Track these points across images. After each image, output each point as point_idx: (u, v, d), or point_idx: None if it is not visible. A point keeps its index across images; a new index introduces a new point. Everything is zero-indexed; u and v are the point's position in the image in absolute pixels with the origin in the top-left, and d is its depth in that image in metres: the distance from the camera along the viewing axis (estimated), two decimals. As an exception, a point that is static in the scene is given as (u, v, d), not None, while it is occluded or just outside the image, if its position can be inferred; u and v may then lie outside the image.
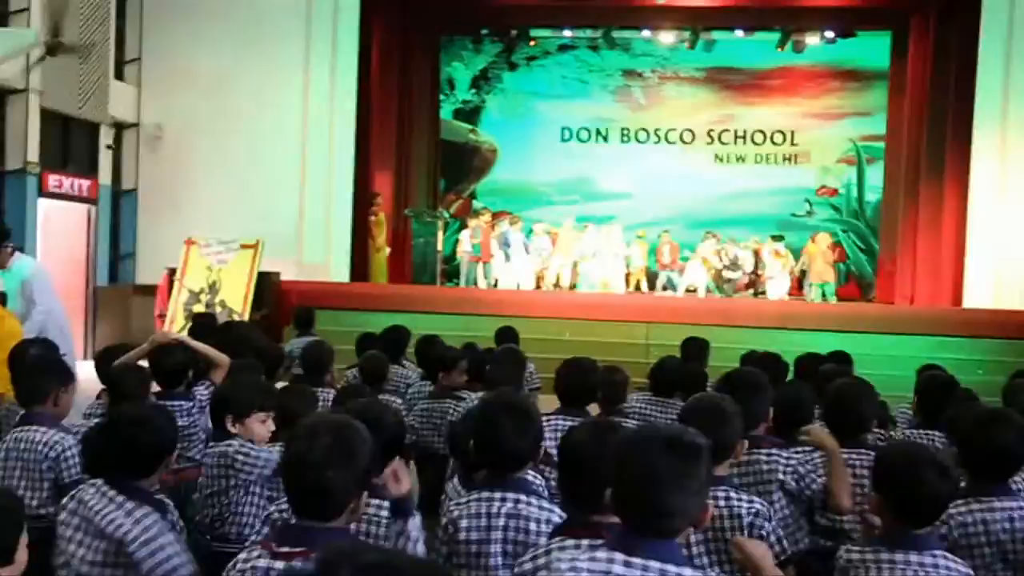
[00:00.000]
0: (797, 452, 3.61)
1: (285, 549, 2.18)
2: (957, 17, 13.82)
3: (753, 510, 2.95)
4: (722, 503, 2.95)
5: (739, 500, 2.96)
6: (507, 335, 6.46)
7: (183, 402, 4.46)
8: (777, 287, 15.16)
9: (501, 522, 2.72)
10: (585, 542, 2.35)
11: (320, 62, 13.61)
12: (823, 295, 14.72)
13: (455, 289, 14.87)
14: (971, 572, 2.65)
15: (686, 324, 11.25)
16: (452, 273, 15.95)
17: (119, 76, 13.58)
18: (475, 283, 15.24)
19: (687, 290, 15.35)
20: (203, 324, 5.68)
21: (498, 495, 2.77)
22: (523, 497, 2.75)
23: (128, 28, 13.83)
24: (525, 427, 2.76)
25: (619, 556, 2.01)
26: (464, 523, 2.75)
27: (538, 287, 15.42)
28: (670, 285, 15.79)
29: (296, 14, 13.53)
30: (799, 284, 15.71)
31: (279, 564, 2.17)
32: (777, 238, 15.83)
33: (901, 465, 2.63)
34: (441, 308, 12.49)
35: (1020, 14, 12.64)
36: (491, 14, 16.82)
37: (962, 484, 2.93)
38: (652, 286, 16.07)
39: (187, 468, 4.34)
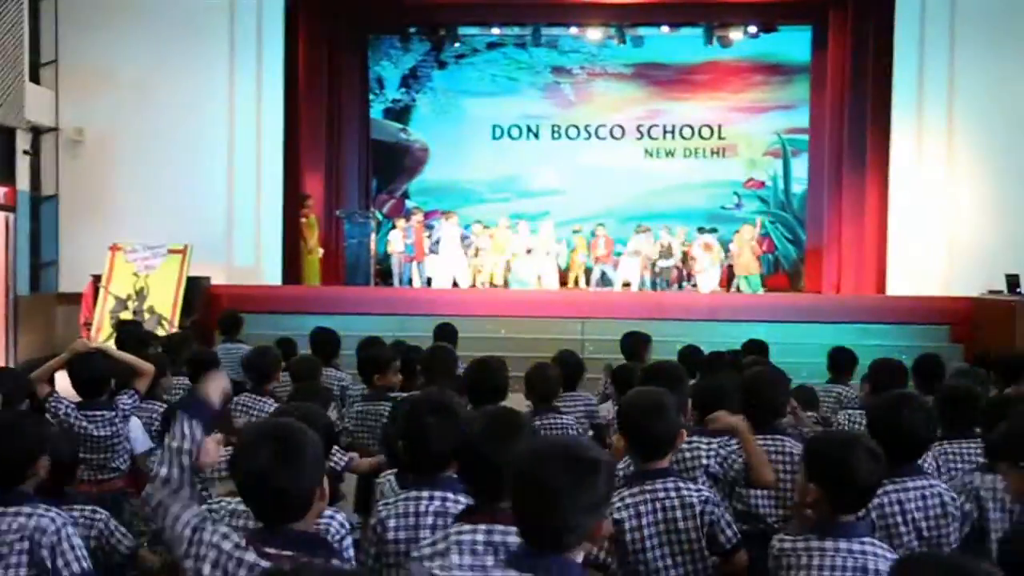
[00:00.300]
0: (715, 440, 3.69)
1: (273, 551, 2.20)
2: (873, 11, 14.18)
3: (703, 497, 3.02)
4: (672, 494, 3.00)
5: (688, 489, 3.03)
6: (445, 333, 6.42)
7: (104, 412, 4.36)
8: (708, 280, 15.39)
9: (429, 520, 2.72)
10: (482, 526, 2.40)
11: (245, 62, 13.40)
12: (748, 287, 14.97)
13: (389, 289, 14.79)
14: (896, 557, 2.70)
15: (621, 319, 11.41)
16: (386, 273, 15.85)
17: (35, 79, 13.20)
18: (409, 283, 15.19)
19: (623, 284, 15.48)
20: (128, 332, 5.53)
21: (426, 494, 2.77)
22: (451, 495, 2.75)
23: (43, 30, 13.43)
24: (452, 426, 2.75)
25: (512, 573, 2.02)
26: (392, 523, 2.75)
27: (473, 285, 15.42)
28: (605, 280, 15.93)
29: (220, 13, 13.30)
30: (728, 277, 16.00)
31: (264, 563, 2.19)
32: (705, 231, 16.09)
33: (834, 453, 2.67)
34: (375, 309, 12.43)
35: (932, 6, 13.02)
36: (419, 12, 16.76)
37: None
38: (588, 282, 16.19)
39: (112, 479, 4.25)
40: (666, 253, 15.87)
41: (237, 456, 2.28)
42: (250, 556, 2.19)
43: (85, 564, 2.84)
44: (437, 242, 15.66)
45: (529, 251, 15.61)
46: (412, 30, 17.85)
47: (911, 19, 13.12)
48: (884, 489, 3.10)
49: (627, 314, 11.94)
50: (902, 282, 13.24)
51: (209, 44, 13.26)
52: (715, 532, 3.01)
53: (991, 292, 11.85)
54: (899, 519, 3.09)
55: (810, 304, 13.36)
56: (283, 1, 13.51)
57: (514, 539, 2.15)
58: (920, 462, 3.32)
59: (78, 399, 4.44)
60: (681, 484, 3.05)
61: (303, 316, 11.21)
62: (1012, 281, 11.46)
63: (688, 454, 3.59)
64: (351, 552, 2.59)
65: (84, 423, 4.33)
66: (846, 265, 15.01)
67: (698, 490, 3.06)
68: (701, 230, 16.28)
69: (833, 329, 11.46)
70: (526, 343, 10.96)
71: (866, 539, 2.68)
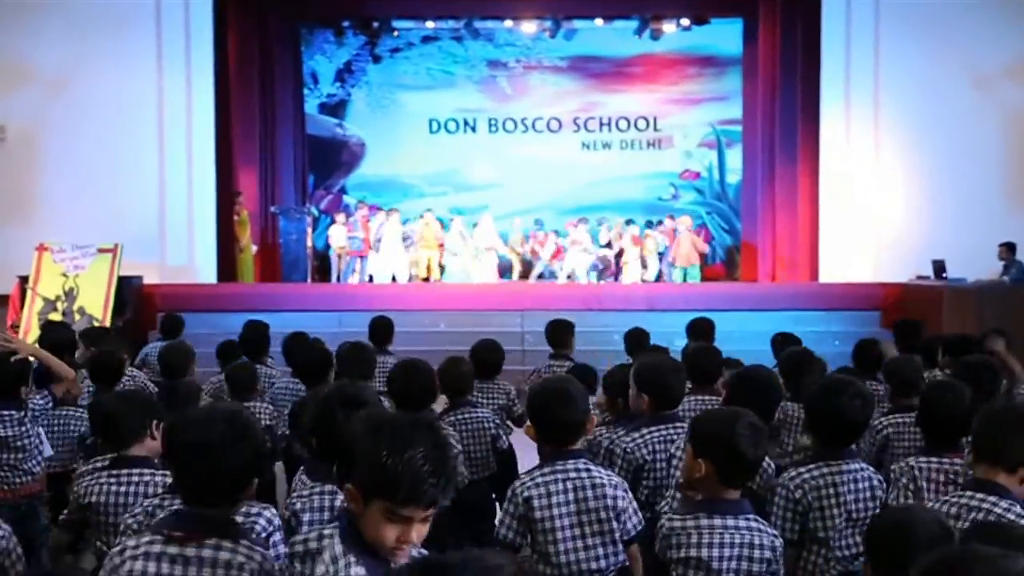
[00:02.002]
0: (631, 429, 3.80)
1: (179, 533, 2.21)
2: (801, 3, 14.43)
3: (613, 482, 3.06)
4: (584, 474, 3.04)
5: (598, 471, 3.08)
6: (379, 327, 6.36)
7: (12, 412, 4.24)
8: (633, 272, 15.51)
9: None
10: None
11: (173, 55, 13.11)
12: (684, 278, 15.14)
13: (327, 286, 14.65)
14: (777, 535, 2.81)
15: (560, 310, 11.45)
16: (324, 270, 15.69)
17: (-47, 75, 12.77)
18: (347, 279, 15.07)
19: (567, 277, 15.50)
20: (54, 334, 5.39)
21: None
22: None
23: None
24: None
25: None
26: (307, 516, 2.74)
27: (410, 280, 15.35)
28: (547, 273, 15.96)
29: (145, 4, 12.98)
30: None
31: (173, 548, 2.19)
32: (632, 223, 16.20)
33: (720, 428, 2.74)
34: (314, 305, 12.31)
35: (857, 2, 13.30)
36: (352, 5, 16.61)
37: (804, 448, 3.08)
38: (526, 275, 16.21)
39: (25, 483, 4.15)
40: (607, 246, 15.97)
41: (184, 429, 2.28)
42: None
43: None
44: (379, 240, 15.54)
45: (466, 245, 15.57)
46: (346, 24, 17.68)
47: (838, 12, 13.39)
48: (820, 471, 3.18)
49: (566, 305, 12.00)
50: (834, 270, 13.52)
51: (135, 36, 12.94)
52: (621, 520, 3.05)
53: (919, 277, 12.16)
54: (832, 500, 3.15)
55: (745, 292, 13.57)
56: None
57: None
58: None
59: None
60: (592, 466, 3.09)
61: (240, 314, 11.00)
62: (938, 266, 11.77)
63: (605, 441, 3.68)
64: (281, 548, 2.56)
65: None
66: (780, 254, 15.28)
67: (608, 474, 3.11)
68: (628, 223, 16.37)
69: (769, 316, 11.66)
70: (465, 336, 10.90)
71: (751, 516, 2.77)
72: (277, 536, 2.67)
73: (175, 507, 2.51)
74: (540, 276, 16.01)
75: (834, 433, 3.21)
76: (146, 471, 3.25)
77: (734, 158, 17.73)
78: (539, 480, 3.04)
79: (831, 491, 3.15)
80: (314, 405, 2.88)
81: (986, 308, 9.97)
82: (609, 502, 3.01)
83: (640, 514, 3.13)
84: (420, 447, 1.94)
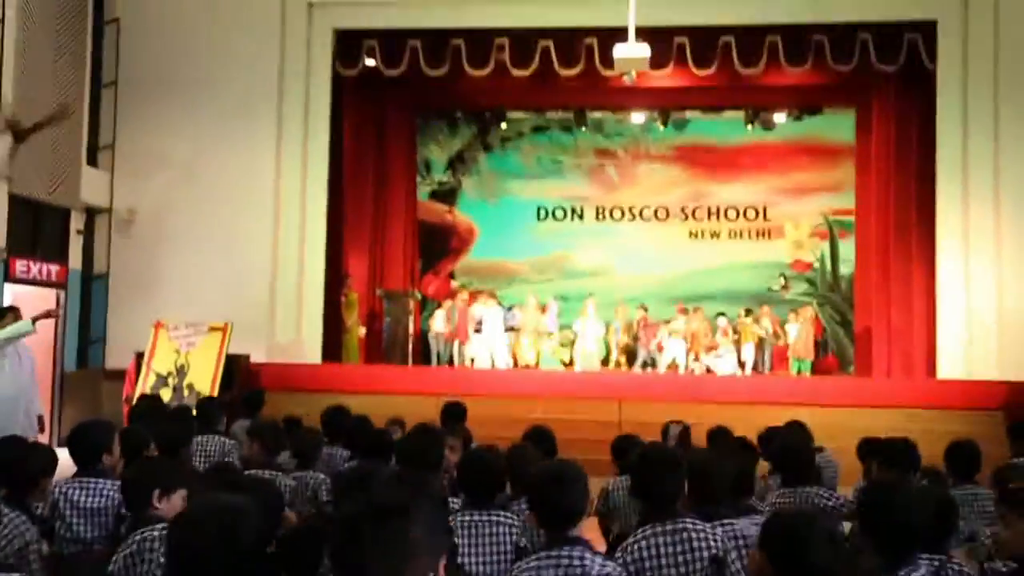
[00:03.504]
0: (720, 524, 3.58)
1: None
2: (916, 94, 14.12)
3: (606, 571, 2.96)
4: (576, 562, 2.95)
5: (593, 561, 2.97)
6: (451, 412, 6.35)
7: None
8: (726, 364, 15.08)
9: None
10: None
11: (292, 140, 13.75)
12: (799, 371, 14.67)
13: (425, 368, 14.79)
14: None
15: (658, 402, 11.24)
16: (426, 353, 15.87)
17: (92, 162, 13.70)
18: (450, 362, 15.18)
19: (668, 366, 15.22)
20: (145, 406, 5.58)
21: None
22: None
23: (103, 114, 13.99)
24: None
25: None
26: None
27: (516, 366, 15.36)
28: (650, 362, 15.71)
29: (269, 95, 13.72)
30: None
31: None
32: (721, 315, 15.81)
33: (790, 530, 2.53)
34: (413, 388, 12.43)
35: (974, 89, 12.90)
36: (465, 96, 17.11)
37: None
38: (631, 363, 16.00)
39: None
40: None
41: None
42: None
43: None
44: (480, 322, 15.69)
45: (575, 333, 15.53)
46: (459, 114, 18.22)
47: (953, 102, 13.00)
48: None
49: (665, 397, 11.78)
50: (953, 366, 12.84)
51: (257, 125, 13.67)
52: None
53: (1046, 377, 11.44)
54: None
55: (854, 387, 13.03)
56: (330, 85, 13.88)
57: None
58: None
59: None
60: (588, 554, 2.98)
61: (343, 395, 11.21)
62: (1067, 365, 11.06)
63: (694, 534, 3.46)
64: None
65: None
66: (896, 348, 14.65)
67: (603, 563, 2.99)
68: (719, 315, 15.90)
69: (882, 413, 11.15)
70: (562, 424, 10.78)
71: None
72: None
73: None
74: (644, 365, 15.75)
75: (888, 539, 2.93)
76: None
77: (846, 249, 17.24)
78: (532, 565, 2.97)
79: None
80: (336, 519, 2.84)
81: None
82: None
83: None
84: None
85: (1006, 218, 12.81)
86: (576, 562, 2.94)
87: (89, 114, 13.38)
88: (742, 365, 15.34)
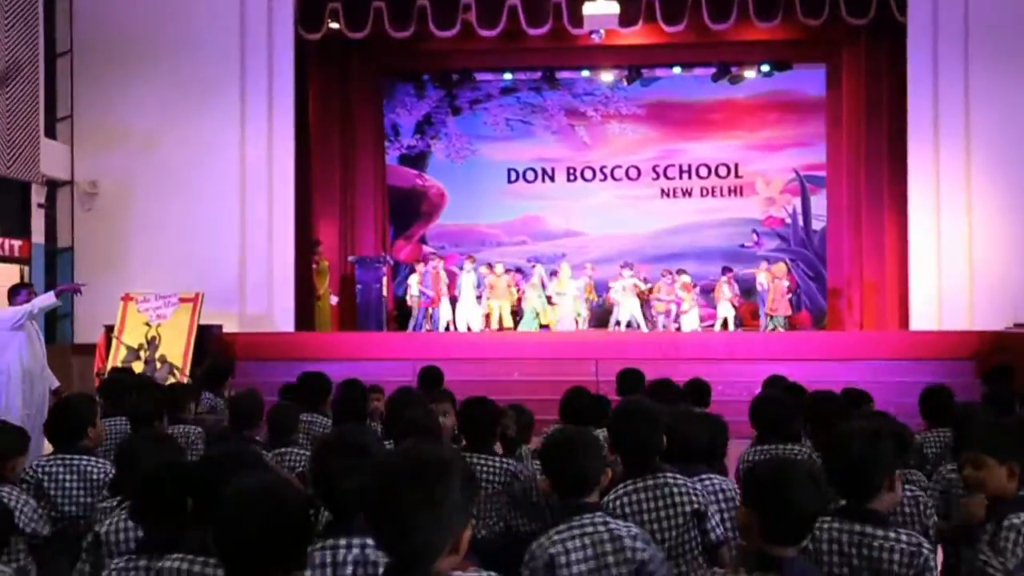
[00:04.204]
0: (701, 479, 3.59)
1: None
2: (886, 47, 14.07)
3: (633, 534, 2.90)
4: (601, 527, 2.89)
5: (617, 525, 2.92)
6: (428, 376, 6.26)
7: None
8: (689, 320, 15.14)
9: (348, 571, 2.55)
10: None
11: (256, 108, 13.47)
12: (772, 327, 14.73)
13: (401, 335, 14.69)
14: None
15: (635, 359, 11.22)
16: (402, 319, 15.77)
17: (51, 134, 13.36)
18: (423, 328, 15.10)
19: (627, 324, 15.21)
20: (116, 379, 5.43)
21: (343, 541, 2.58)
22: (370, 541, 2.53)
23: (60, 86, 13.63)
24: (364, 467, 2.51)
25: None
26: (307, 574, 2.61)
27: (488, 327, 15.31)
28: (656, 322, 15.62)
29: (231, 63, 13.41)
30: (751, 315, 15.78)
31: None
32: (681, 272, 15.83)
33: (769, 476, 2.48)
34: (387, 354, 12.34)
35: (944, 41, 12.87)
36: (432, 59, 16.86)
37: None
38: (605, 323, 15.97)
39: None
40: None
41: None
42: None
43: None
44: (458, 289, 15.58)
45: (550, 294, 15.49)
46: (426, 77, 17.98)
47: (924, 53, 12.96)
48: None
49: (641, 354, 11.77)
50: (925, 318, 12.94)
51: (220, 93, 13.37)
52: (645, 573, 2.87)
53: (1016, 325, 11.54)
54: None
55: (830, 341, 13.10)
56: (294, 50, 13.60)
57: None
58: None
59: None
60: (610, 520, 2.93)
61: (319, 362, 11.10)
62: (1037, 313, 11.17)
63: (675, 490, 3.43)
64: None
65: None
66: (869, 302, 14.75)
67: (628, 527, 2.93)
68: (678, 272, 15.94)
69: (857, 366, 11.22)
70: (540, 385, 10.78)
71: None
72: None
73: None
74: (620, 324, 15.72)
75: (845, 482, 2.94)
76: None
77: (818, 204, 17.27)
78: (556, 538, 2.89)
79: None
80: (312, 455, 2.77)
81: (1089, 357, 9.36)
82: (628, 555, 2.84)
83: (667, 565, 2.95)
84: None
85: (977, 170, 12.84)
86: (601, 527, 2.88)
87: (45, 84, 12.99)
88: (724, 324, 15.40)
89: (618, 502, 3.35)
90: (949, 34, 12.83)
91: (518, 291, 15.87)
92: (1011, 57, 12.66)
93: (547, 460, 3.08)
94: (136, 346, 11.76)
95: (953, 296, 12.78)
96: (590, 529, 2.88)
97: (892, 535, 2.77)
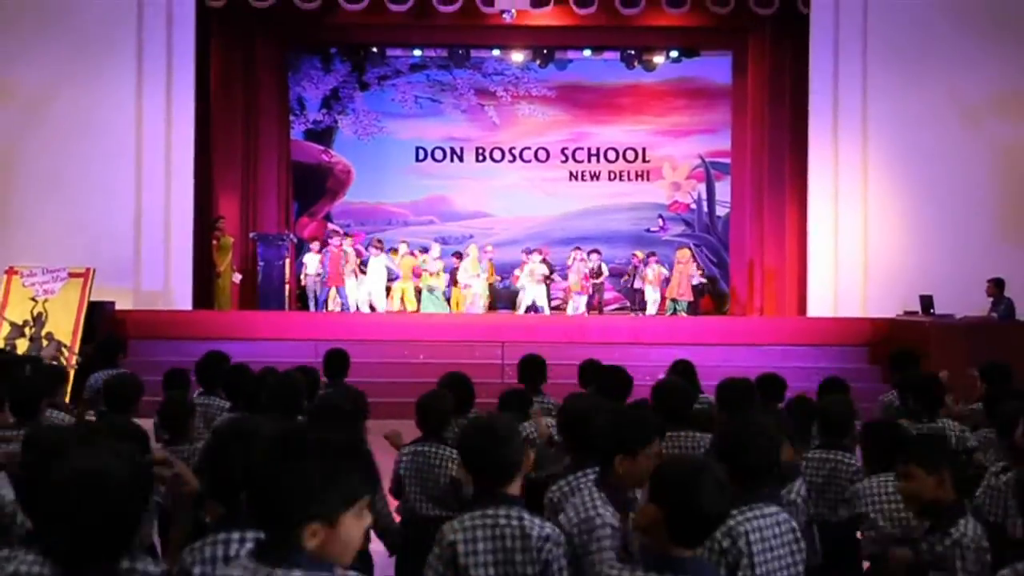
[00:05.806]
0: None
1: None
2: (789, 37, 14.35)
3: (544, 534, 2.82)
4: (514, 522, 2.81)
5: (530, 521, 2.84)
6: (334, 360, 6.07)
7: None
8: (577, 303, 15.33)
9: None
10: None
11: (154, 76, 12.89)
12: (675, 311, 14.91)
13: (304, 314, 14.36)
14: None
15: (541, 343, 11.20)
16: (304, 298, 15.42)
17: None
18: (326, 307, 14.80)
19: (529, 308, 15.21)
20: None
21: (235, 535, 2.48)
22: (262, 534, 2.42)
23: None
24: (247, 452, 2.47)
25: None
26: (197, 570, 2.48)
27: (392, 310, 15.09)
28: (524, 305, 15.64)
29: (126, 25, 12.78)
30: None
31: None
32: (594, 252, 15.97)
33: (679, 477, 2.42)
34: (289, 334, 12.06)
35: (845, 34, 13.19)
36: (340, 32, 16.45)
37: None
38: (513, 305, 15.92)
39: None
40: (595, 273, 15.70)
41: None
42: None
43: None
44: (365, 263, 15.29)
45: (451, 275, 15.35)
46: (333, 50, 17.57)
47: (825, 46, 13.26)
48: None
49: (548, 337, 11.78)
50: (822, 304, 13.30)
51: (115, 57, 12.73)
52: (548, 573, 2.80)
53: (907, 313, 11.96)
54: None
55: (732, 326, 13.35)
56: (194, 14, 13.06)
57: None
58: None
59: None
60: (526, 515, 2.84)
61: (215, 341, 10.74)
62: (926, 302, 11.59)
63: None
64: None
65: None
66: (769, 288, 15.08)
67: (541, 525, 2.84)
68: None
69: (757, 352, 11.47)
70: (445, 368, 10.65)
71: None
72: None
73: None
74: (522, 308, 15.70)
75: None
76: None
77: (723, 190, 17.58)
78: (467, 524, 2.82)
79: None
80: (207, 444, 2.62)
81: (974, 344, 9.76)
82: (534, 555, 2.76)
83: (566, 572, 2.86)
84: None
85: (873, 161, 13.22)
86: (515, 522, 2.80)
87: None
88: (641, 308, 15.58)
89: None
90: (849, 29, 13.15)
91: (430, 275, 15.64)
92: (908, 53, 13.05)
93: (465, 448, 2.99)
94: (21, 322, 11.18)
95: (848, 284, 13.17)
96: (503, 522, 2.80)
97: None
